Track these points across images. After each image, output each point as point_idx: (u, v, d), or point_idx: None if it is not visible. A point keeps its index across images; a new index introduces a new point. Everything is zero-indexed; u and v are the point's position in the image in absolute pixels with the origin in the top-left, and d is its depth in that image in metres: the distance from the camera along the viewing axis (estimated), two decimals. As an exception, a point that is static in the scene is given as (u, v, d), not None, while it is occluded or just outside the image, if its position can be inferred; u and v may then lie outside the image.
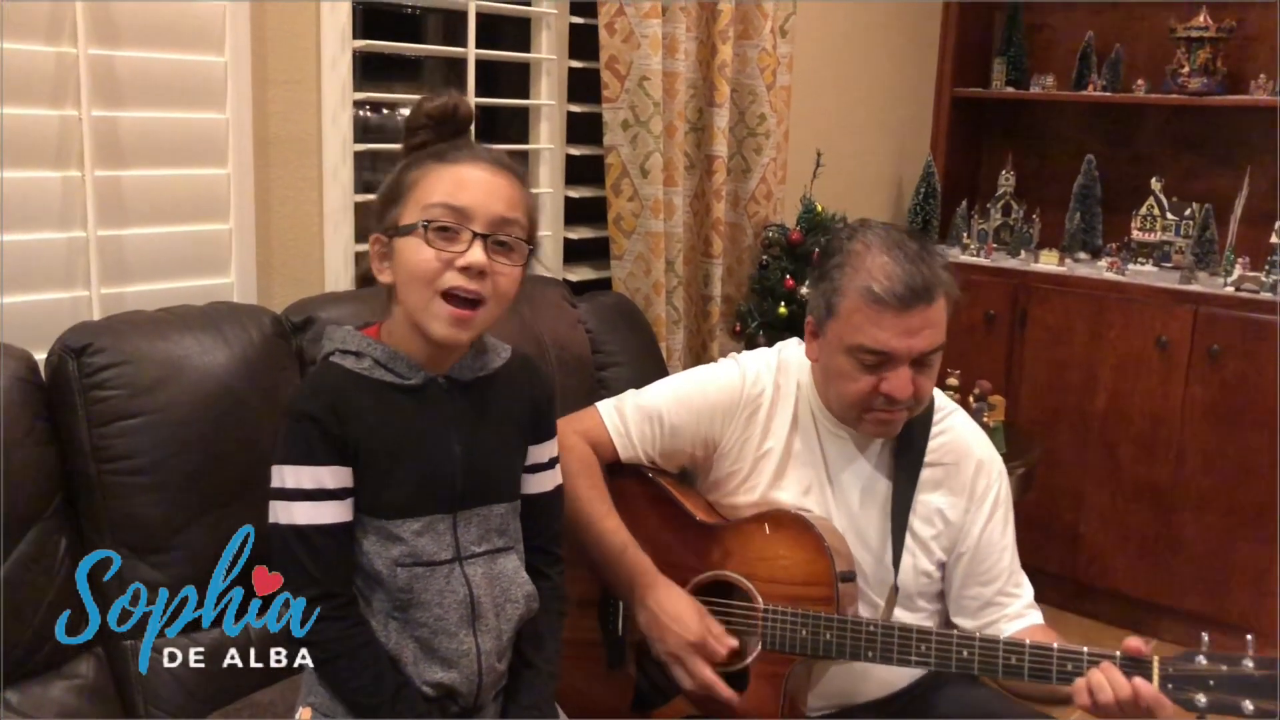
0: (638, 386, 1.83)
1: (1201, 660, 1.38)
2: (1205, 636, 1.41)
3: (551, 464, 1.50)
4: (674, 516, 1.71)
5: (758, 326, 2.77)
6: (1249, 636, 1.39)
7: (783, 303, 2.74)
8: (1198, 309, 3.11)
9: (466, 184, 1.30)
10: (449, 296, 1.29)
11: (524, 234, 1.34)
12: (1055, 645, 1.46)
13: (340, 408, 1.31)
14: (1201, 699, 1.36)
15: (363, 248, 2.16)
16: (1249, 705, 1.34)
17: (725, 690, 1.56)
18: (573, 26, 2.57)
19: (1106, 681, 1.39)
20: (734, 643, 1.58)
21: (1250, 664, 1.35)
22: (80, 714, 1.53)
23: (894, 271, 1.53)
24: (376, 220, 1.37)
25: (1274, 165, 3.43)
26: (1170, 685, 1.38)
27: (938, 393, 1.74)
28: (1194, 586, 3.18)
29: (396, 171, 1.36)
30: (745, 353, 1.81)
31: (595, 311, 2.36)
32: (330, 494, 1.30)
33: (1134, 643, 1.41)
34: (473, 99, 2.33)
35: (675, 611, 1.58)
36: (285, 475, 1.30)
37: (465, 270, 1.28)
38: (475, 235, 1.29)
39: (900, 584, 1.65)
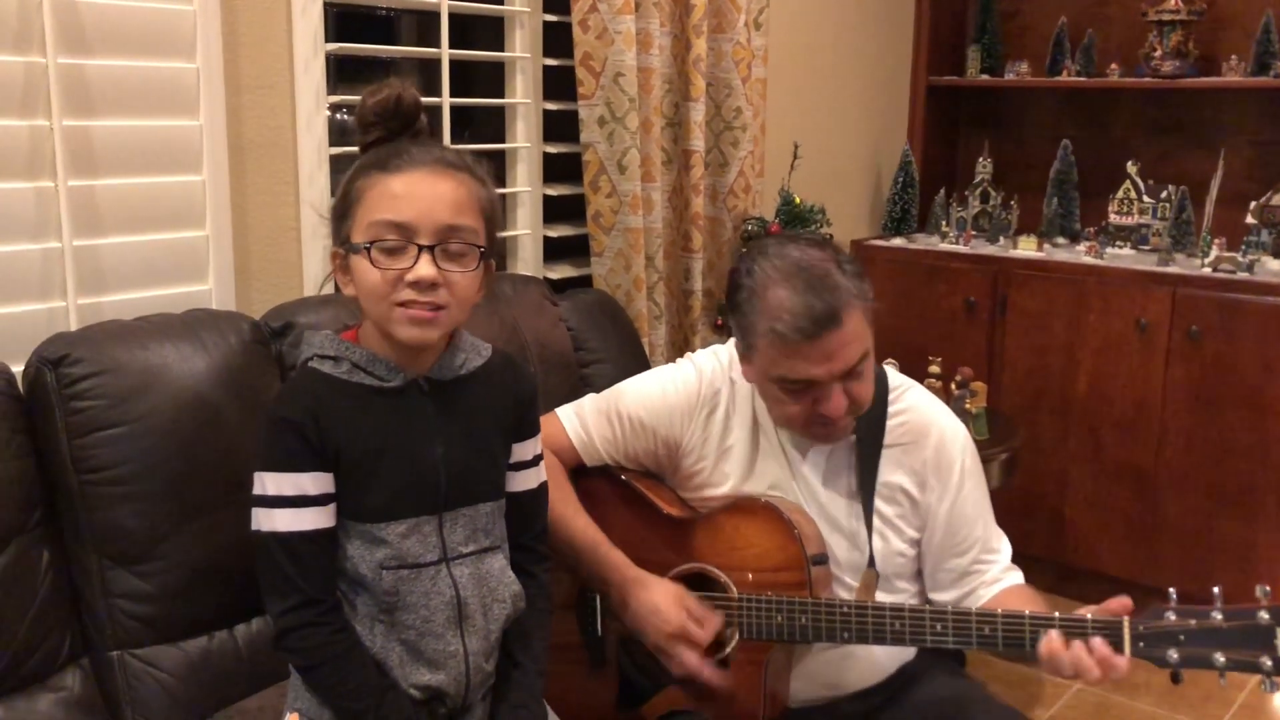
0: (618, 383, 1.83)
1: (1170, 616, 1.40)
2: (1173, 592, 1.42)
3: (535, 461, 1.50)
4: (644, 513, 1.71)
5: (739, 319, 2.77)
6: (1216, 589, 1.40)
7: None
8: (1176, 291, 3.12)
9: (408, 196, 1.27)
10: (406, 305, 1.28)
11: (477, 236, 1.31)
12: (1027, 612, 1.47)
13: (320, 413, 1.30)
14: (1173, 654, 1.38)
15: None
16: (1220, 657, 1.36)
17: (711, 673, 1.56)
18: (546, 24, 2.57)
19: (1065, 652, 1.41)
20: (717, 620, 1.58)
21: (1219, 616, 1.37)
22: (67, 727, 1.53)
23: (794, 306, 1.50)
24: (334, 234, 1.35)
25: (1248, 146, 3.45)
26: (1141, 644, 1.39)
27: (891, 371, 1.75)
28: (1178, 566, 3.19)
29: (345, 181, 1.34)
30: (699, 351, 1.81)
31: (576, 309, 2.36)
32: (312, 500, 1.29)
33: (1113, 603, 1.43)
34: (448, 99, 2.33)
35: (653, 604, 1.59)
36: (266, 482, 1.29)
37: (415, 285, 1.26)
38: (421, 249, 1.27)
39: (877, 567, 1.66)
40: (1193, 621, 1.38)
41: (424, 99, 2.35)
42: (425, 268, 1.26)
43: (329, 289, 1.56)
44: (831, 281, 1.52)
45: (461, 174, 1.32)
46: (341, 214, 1.33)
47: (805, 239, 1.61)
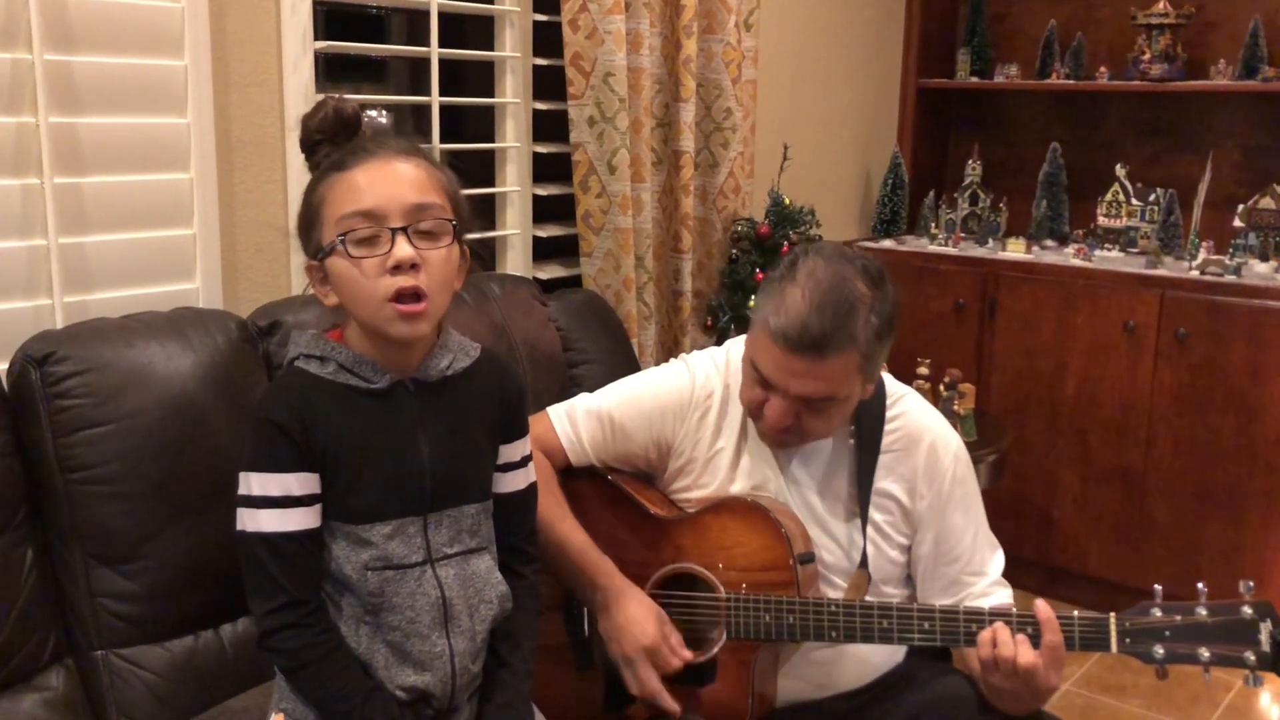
0: (610, 383, 1.83)
1: (1156, 612, 1.40)
2: (1158, 589, 1.43)
3: (524, 462, 1.49)
4: (631, 513, 1.71)
5: (729, 320, 2.78)
6: (1200, 585, 1.41)
7: (753, 296, 2.74)
8: (1164, 293, 3.14)
9: (369, 184, 1.27)
10: (393, 299, 1.27)
11: (445, 214, 1.31)
12: (1014, 610, 1.48)
13: (305, 414, 1.29)
14: (1159, 650, 1.39)
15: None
16: (1205, 652, 1.37)
17: (668, 701, 1.55)
18: (536, 24, 2.57)
19: (991, 639, 1.44)
20: (688, 655, 1.57)
21: (1204, 611, 1.38)
22: (51, 727, 1.52)
23: (796, 313, 1.49)
24: (304, 248, 1.34)
25: (1236, 149, 3.47)
26: (1127, 640, 1.40)
27: (888, 378, 1.74)
28: (1165, 568, 3.20)
29: (305, 194, 1.33)
30: (694, 353, 1.81)
31: (566, 309, 2.36)
32: (297, 501, 1.28)
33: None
34: (437, 98, 2.32)
35: (633, 614, 1.57)
36: (251, 482, 1.29)
37: (396, 269, 1.26)
38: (394, 232, 1.26)
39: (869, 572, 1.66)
40: (1178, 617, 1.39)
41: (414, 98, 2.35)
42: (403, 248, 1.26)
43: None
44: (847, 318, 1.49)
45: (417, 158, 1.32)
46: (308, 225, 1.32)
47: (867, 265, 1.55)
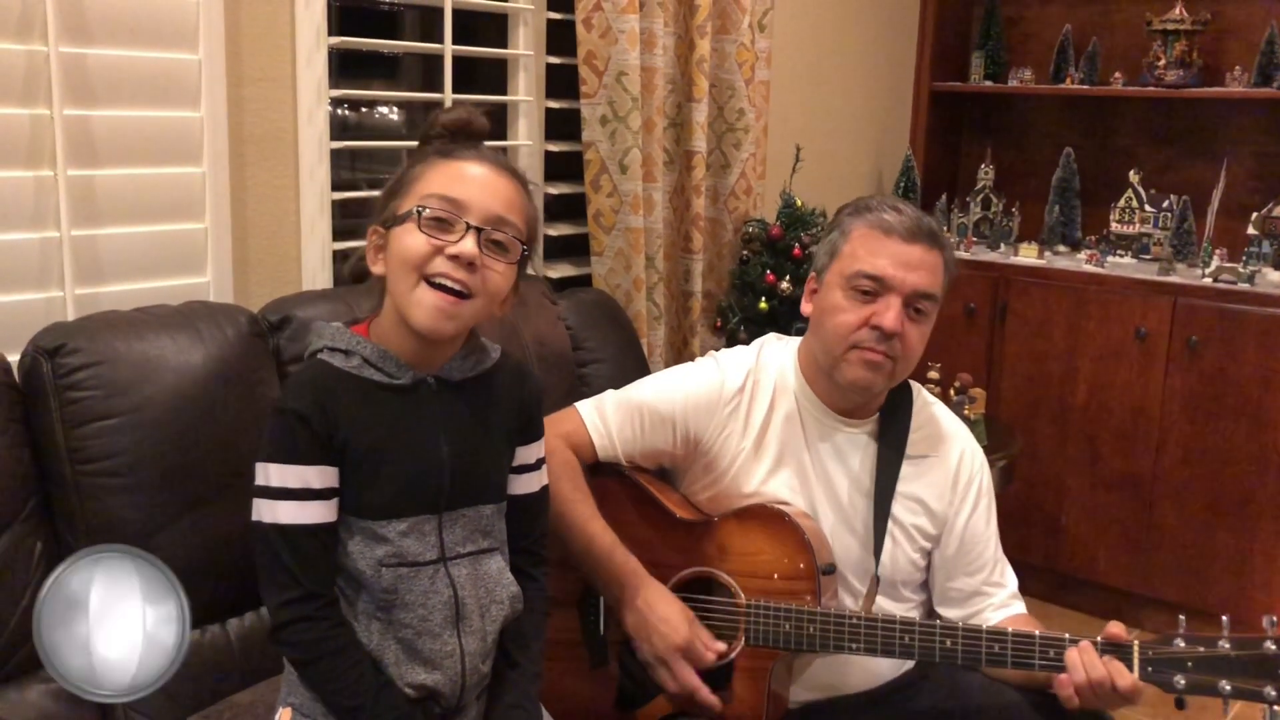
0: (619, 383, 1.82)
1: (1179, 643, 1.41)
2: (1182, 619, 1.44)
3: (538, 465, 1.49)
4: (654, 514, 1.71)
5: (739, 322, 2.77)
6: (1224, 618, 1.42)
7: (763, 298, 2.74)
8: (1176, 300, 3.12)
9: (466, 178, 1.31)
10: (436, 286, 1.28)
11: (521, 237, 1.34)
12: (1038, 633, 1.47)
13: (328, 406, 1.29)
14: (1180, 680, 1.39)
15: (341, 246, 2.15)
16: (1226, 685, 1.37)
17: (708, 695, 1.56)
18: (550, 22, 2.57)
19: (1081, 663, 1.41)
20: (721, 647, 1.57)
21: (1227, 645, 1.38)
22: (59, 717, 1.51)
23: (905, 214, 1.62)
24: (378, 214, 1.36)
25: (1250, 157, 3.45)
26: (1150, 668, 1.40)
27: (917, 386, 1.76)
28: (1174, 576, 3.19)
29: (401, 168, 1.37)
30: (724, 350, 1.81)
31: (576, 308, 2.35)
32: (315, 494, 1.28)
33: (1115, 629, 1.44)
34: (450, 96, 2.32)
35: (663, 614, 1.57)
36: (270, 473, 1.28)
37: (455, 259, 1.27)
38: (469, 227, 1.28)
39: (881, 572, 1.66)
40: (1201, 649, 1.39)
41: (427, 95, 2.36)
42: (469, 244, 1.28)
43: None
44: (939, 229, 1.65)
45: (518, 183, 1.36)
46: (392, 193, 1.35)
47: None
